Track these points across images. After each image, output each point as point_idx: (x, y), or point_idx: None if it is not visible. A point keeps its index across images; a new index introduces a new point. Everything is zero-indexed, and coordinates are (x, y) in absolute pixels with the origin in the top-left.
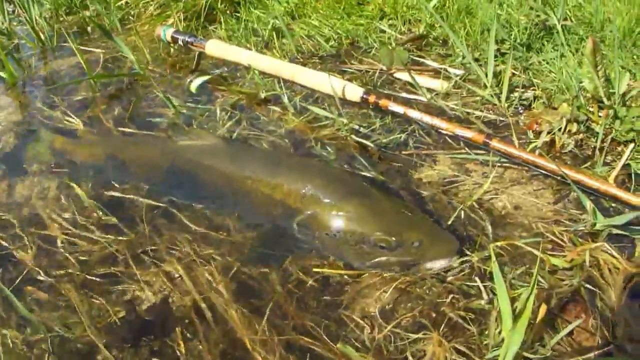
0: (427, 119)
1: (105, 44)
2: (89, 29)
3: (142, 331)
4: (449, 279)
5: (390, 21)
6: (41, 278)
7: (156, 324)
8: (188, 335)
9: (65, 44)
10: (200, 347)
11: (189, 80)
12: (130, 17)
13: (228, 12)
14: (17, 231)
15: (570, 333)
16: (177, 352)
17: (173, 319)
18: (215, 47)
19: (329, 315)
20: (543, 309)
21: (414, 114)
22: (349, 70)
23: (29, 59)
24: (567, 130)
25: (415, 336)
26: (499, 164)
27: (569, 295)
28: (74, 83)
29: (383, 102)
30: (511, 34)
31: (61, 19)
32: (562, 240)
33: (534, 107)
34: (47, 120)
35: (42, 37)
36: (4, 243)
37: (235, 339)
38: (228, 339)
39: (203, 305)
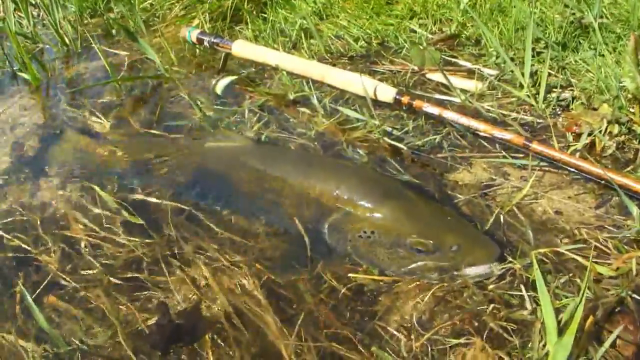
0: (464, 120)
1: (130, 46)
2: (113, 31)
3: (169, 339)
4: (490, 287)
5: (420, 21)
6: (65, 283)
7: (184, 331)
8: (218, 342)
9: (89, 47)
10: (231, 354)
11: (214, 81)
12: (155, 19)
13: (254, 12)
14: (40, 233)
15: (616, 345)
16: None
17: (202, 326)
18: (242, 48)
19: (363, 325)
20: (590, 321)
21: (449, 115)
22: (379, 70)
23: (53, 62)
24: (607, 132)
25: (456, 341)
26: (539, 168)
27: (615, 306)
28: (97, 85)
29: (417, 103)
30: (546, 33)
31: (85, 21)
32: (606, 247)
33: (572, 108)
34: (71, 123)
35: (67, 40)
36: (27, 246)
37: (266, 348)
38: (258, 347)
39: (233, 312)
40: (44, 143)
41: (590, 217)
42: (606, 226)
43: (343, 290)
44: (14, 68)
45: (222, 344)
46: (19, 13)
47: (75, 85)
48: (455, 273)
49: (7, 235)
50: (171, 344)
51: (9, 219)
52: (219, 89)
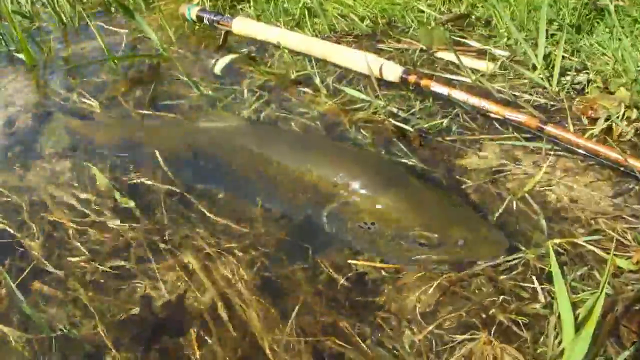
0: (474, 100)
1: (129, 24)
2: (112, 9)
3: (154, 331)
4: (500, 278)
5: (429, 1)
6: (49, 269)
7: (170, 323)
8: (204, 336)
9: (87, 25)
10: (217, 349)
11: (214, 60)
12: None
13: None
14: (26, 217)
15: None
16: (192, 355)
17: (189, 318)
18: (243, 25)
19: (363, 317)
20: (610, 318)
21: (459, 95)
22: (386, 49)
23: (49, 41)
24: (625, 117)
25: (462, 337)
26: (551, 152)
27: (634, 302)
28: (92, 64)
29: (425, 82)
30: (559, 14)
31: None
32: (625, 238)
33: (587, 92)
34: (65, 103)
35: (64, 18)
36: (11, 230)
37: (256, 342)
38: (248, 341)
39: (222, 303)
40: (37, 123)
41: (608, 206)
42: (624, 216)
43: (342, 281)
44: (10, 48)
45: (210, 338)
46: None
47: (72, 64)
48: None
49: None
50: (155, 337)
51: None
52: (218, 68)
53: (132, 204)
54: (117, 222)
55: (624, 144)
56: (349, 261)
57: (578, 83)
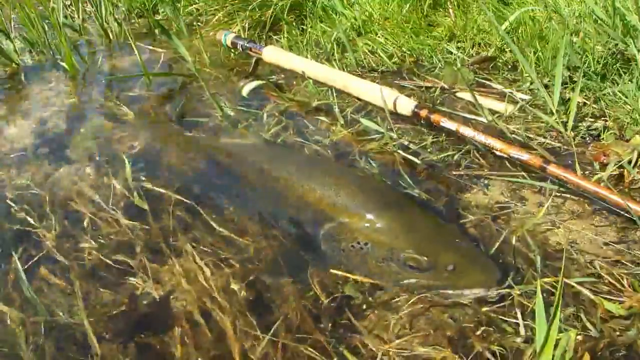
0: (481, 137)
1: (169, 45)
2: (156, 31)
3: (139, 327)
4: (484, 309)
5: (459, 43)
6: (58, 259)
7: (155, 322)
8: (186, 339)
9: (130, 44)
10: (195, 353)
11: (242, 84)
12: (198, 23)
13: (294, 23)
14: (45, 210)
15: None
16: (172, 355)
17: (173, 320)
18: (272, 54)
19: (339, 332)
20: (586, 358)
21: (466, 131)
22: (408, 86)
23: (93, 55)
24: (637, 164)
25: None
26: (558, 194)
27: (622, 349)
28: (127, 78)
29: (435, 117)
30: (585, 62)
31: (133, 21)
32: (620, 283)
33: (602, 138)
34: (98, 110)
35: (110, 35)
36: (29, 219)
37: (232, 348)
38: (225, 347)
39: (208, 310)
40: (69, 125)
41: (608, 251)
42: (624, 262)
43: (324, 301)
44: (56, 57)
45: (191, 339)
46: (73, 7)
47: (110, 76)
48: (450, 292)
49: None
50: (138, 333)
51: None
52: (245, 92)
53: (145, 206)
54: (127, 221)
55: (636, 191)
56: (331, 270)
57: (594, 129)
